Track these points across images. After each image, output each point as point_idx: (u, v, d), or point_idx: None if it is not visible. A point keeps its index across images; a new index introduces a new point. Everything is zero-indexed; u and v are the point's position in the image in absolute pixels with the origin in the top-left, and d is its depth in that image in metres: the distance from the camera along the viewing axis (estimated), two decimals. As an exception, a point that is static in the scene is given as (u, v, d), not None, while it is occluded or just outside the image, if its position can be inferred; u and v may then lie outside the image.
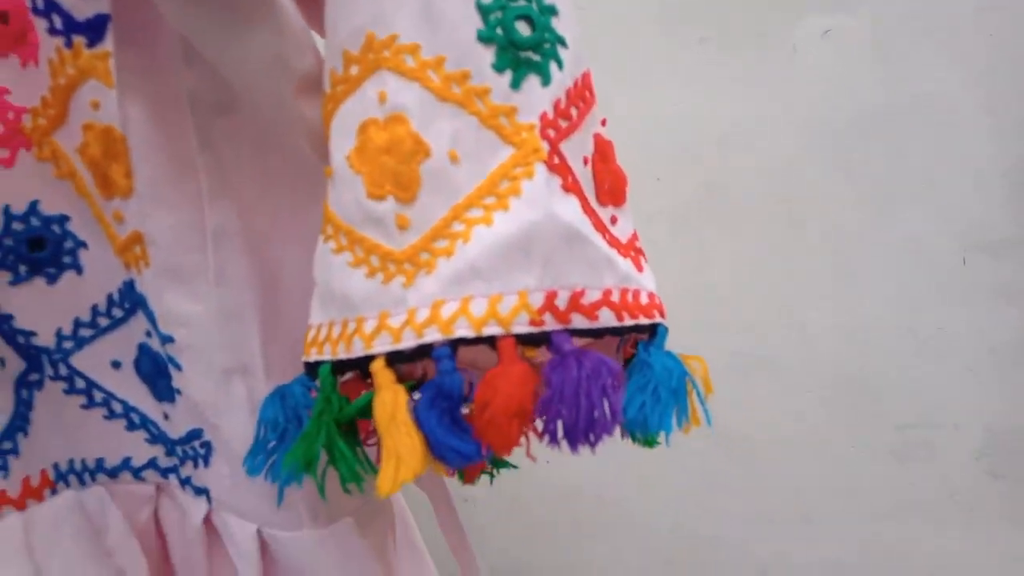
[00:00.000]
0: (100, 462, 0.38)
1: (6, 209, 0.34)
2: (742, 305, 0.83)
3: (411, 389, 0.26)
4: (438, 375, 0.25)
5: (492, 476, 0.35)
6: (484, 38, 0.27)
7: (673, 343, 0.31)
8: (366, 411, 0.26)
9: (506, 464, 0.35)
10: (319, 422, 0.26)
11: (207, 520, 0.38)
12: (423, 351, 0.26)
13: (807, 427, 0.83)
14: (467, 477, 0.34)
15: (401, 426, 0.25)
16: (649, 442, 0.32)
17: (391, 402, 0.25)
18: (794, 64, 0.79)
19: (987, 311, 0.75)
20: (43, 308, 0.35)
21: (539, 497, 0.95)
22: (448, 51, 0.26)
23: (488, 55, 0.27)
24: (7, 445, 0.35)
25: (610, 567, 0.95)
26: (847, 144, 0.78)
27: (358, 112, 0.27)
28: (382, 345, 0.26)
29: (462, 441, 0.25)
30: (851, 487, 0.83)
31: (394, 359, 0.26)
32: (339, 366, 0.27)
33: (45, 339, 0.36)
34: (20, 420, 0.35)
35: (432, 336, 0.25)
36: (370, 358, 0.26)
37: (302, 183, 0.35)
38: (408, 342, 0.26)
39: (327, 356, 0.28)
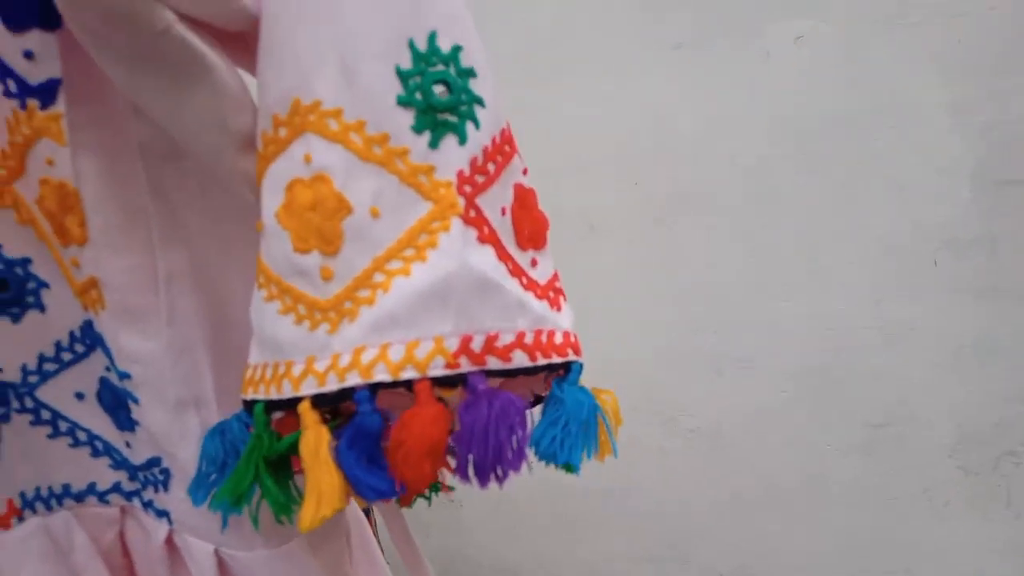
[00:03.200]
0: (66, 487, 0.41)
1: (-29, 254, 0.36)
2: (716, 304, 0.85)
3: (336, 426, 0.28)
4: (358, 416, 0.27)
5: (428, 499, 0.38)
6: (404, 102, 0.29)
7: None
8: (294, 448, 0.28)
9: (438, 488, 0.37)
10: (249, 460, 0.29)
11: (169, 540, 0.41)
12: (345, 394, 0.28)
13: (780, 424, 0.85)
14: (402, 502, 0.37)
15: (323, 464, 0.27)
16: (569, 468, 0.34)
17: (314, 441, 0.27)
18: (767, 68, 0.81)
19: (956, 309, 0.77)
20: (8, 346, 0.38)
21: (525, 497, 0.97)
22: (369, 115, 0.29)
23: (408, 118, 0.29)
24: (-25, 478, 0.37)
25: (595, 563, 0.97)
26: (818, 145, 0.80)
27: (286, 172, 0.29)
28: (308, 388, 0.28)
29: (378, 479, 0.27)
30: (824, 483, 0.85)
31: (319, 400, 0.28)
32: (271, 405, 0.30)
33: (11, 375, 0.38)
34: None
35: (353, 380, 0.28)
36: (298, 399, 0.28)
37: (247, 222, 0.38)
38: (331, 386, 0.28)
39: (261, 395, 0.30)
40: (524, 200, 0.33)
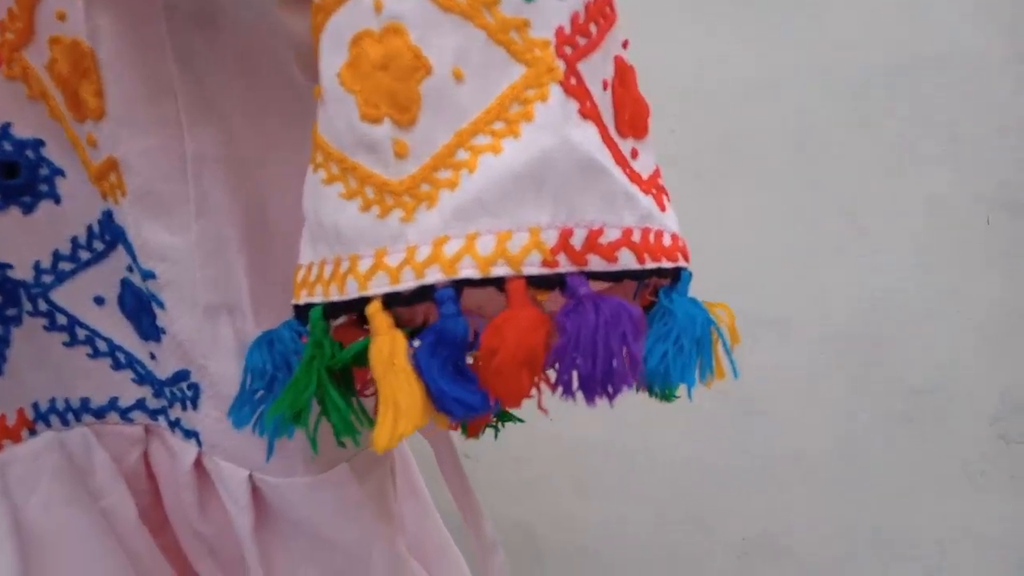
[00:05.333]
0: (85, 402, 0.37)
1: (-26, 132, 0.31)
2: (754, 263, 0.81)
3: (411, 336, 0.24)
4: (440, 319, 0.23)
5: (496, 430, 0.33)
6: (494, -64, 0.23)
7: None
8: (361, 358, 0.24)
9: (511, 417, 0.33)
10: (309, 369, 0.24)
11: (198, 463, 0.37)
12: (424, 293, 0.23)
13: (816, 389, 0.82)
14: (470, 430, 0.32)
15: (400, 373, 0.22)
16: (667, 396, 0.29)
17: (388, 348, 0.23)
18: (819, 13, 0.75)
19: (1007, 274, 0.73)
20: (19, 239, 0.33)
21: (541, 455, 0.94)
22: None
23: None
24: (-21, 384, 0.33)
25: (613, 526, 0.95)
26: (869, 98, 0.75)
27: (351, 23, 0.24)
28: (378, 286, 0.24)
29: (467, 391, 0.22)
30: (856, 452, 0.82)
31: (392, 301, 0.23)
32: (332, 309, 0.25)
33: (22, 272, 0.34)
34: None
35: (434, 276, 0.23)
36: (365, 300, 0.24)
37: (294, 106, 0.32)
38: (407, 283, 0.23)
39: (318, 298, 0.25)
40: (625, 77, 0.28)
